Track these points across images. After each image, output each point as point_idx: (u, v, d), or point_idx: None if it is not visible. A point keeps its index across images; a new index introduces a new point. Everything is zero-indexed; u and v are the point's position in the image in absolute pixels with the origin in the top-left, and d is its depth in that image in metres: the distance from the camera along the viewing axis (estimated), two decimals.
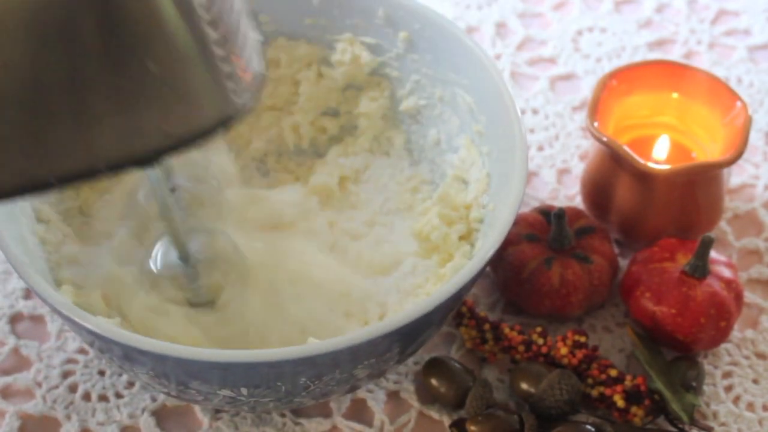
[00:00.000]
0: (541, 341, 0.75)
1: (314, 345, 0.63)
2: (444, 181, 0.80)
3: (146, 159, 0.56)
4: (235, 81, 0.57)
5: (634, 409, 0.73)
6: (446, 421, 0.75)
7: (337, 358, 0.64)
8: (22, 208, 0.72)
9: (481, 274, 0.68)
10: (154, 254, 0.72)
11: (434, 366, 0.75)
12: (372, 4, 0.80)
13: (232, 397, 0.67)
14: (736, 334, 0.80)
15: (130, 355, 0.65)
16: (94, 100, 0.54)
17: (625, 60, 0.96)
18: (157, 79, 0.54)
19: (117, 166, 0.56)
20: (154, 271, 0.72)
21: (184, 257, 0.71)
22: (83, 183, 0.56)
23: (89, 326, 0.64)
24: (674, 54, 0.97)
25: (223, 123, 0.57)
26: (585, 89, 0.94)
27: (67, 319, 0.65)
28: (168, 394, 0.69)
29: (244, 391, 0.66)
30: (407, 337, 0.67)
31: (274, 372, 0.64)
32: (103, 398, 0.76)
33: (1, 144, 0.54)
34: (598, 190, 0.81)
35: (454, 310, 0.75)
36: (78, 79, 0.53)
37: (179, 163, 0.71)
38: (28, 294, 0.81)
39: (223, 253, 0.73)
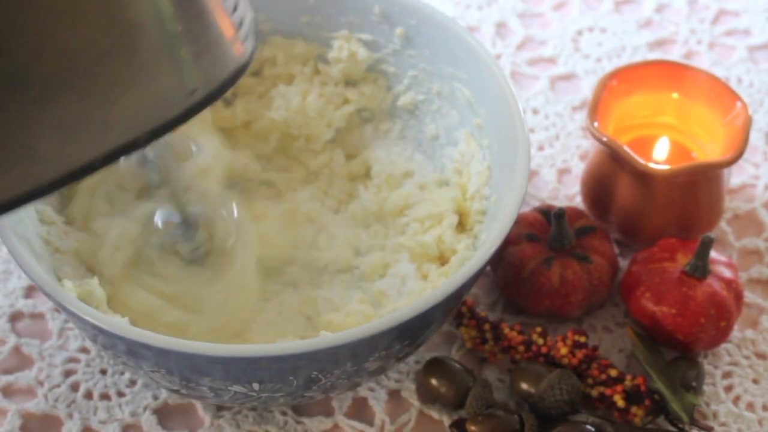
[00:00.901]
0: (541, 341, 0.76)
1: (323, 338, 0.64)
2: (444, 175, 0.80)
3: (175, 122, 0.57)
4: (240, 29, 0.58)
5: (634, 409, 0.73)
6: (446, 420, 0.75)
7: (340, 352, 0.65)
8: (26, 209, 0.72)
9: (482, 271, 0.69)
10: (156, 215, 0.74)
11: (434, 366, 0.75)
12: (368, 1, 0.80)
13: (243, 393, 0.67)
14: (736, 334, 0.80)
15: (133, 350, 0.65)
16: (118, 71, 0.54)
17: (625, 60, 0.96)
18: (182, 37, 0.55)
19: (153, 134, 0.56)
20: (159, 226, 0.73)
21: (185, 218, 0.72)
22: (125, 154, 0.56)
23: (94, 321, 0.64)
24: (674, 54, 0.97)
25: (239, 72, 0.58)
26: (585, 89, 0.94)
27: (72, 315, 0.65)
28: (178, 392, 0.69)
29: (255, 386, 0.66)
30: (409, 333, 0.67)
31: (278, 366, 0.65)
32: (104, 397, 0.76)
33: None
34: (598, 190, 0.81)
35: (456, 307, 0.75)
36: (100, 52, 0.53)
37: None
38: (28, 293, 0.81)
39: (221, 213, 0.75)
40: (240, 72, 0.59)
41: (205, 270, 0.74)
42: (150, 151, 0.70)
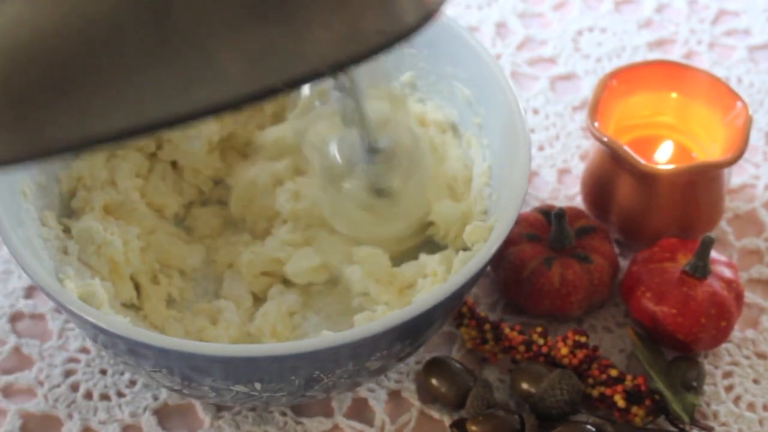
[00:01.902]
0: (541, 341, 0.75)
1: (324, 338, 0.64)
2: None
3: (364, 57, 0.59)
4: None
5: (634, 409, 0.73)
6: (447, 420, 0.75)
7: (341, 352, 0.65)
8: (27, 211, 0.72)
9: (484, 270, 0.69)
10: (331, 151, 0.75)
11: (435, 366, 0.75)
12: None
13: (245, 392, 0.67)
14: (736, 334, 0.80)
15: (134, 350, 0.65)
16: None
17: (625, 60, 0.96)
18: None
19: (339, 65, 0.58)
20: (339, 162, 0.74)
21: (373, 148, 0.73)
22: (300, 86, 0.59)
23: (95, 321, 0.64)
24: (674, 54, 0.97)
25: (426, 19, 0.60)
26: (585, 89, 0.94)
27: (73, 315, 0.65)
28: (179, 391, 0.69)
29: (257, 386, 0.66)
30: (410, 333, 0.67)
31: (280, 366, 0.65)
32: (104, 397, 0.76)
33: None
34: (598, 190, 0.81)
35: (457, 307, 0.75)
36: None
37: None
38: (29, 293, 0.81)
39: (402, 143, 0.75)
40: (427, 19, 0.61)
41: (389, 207, 0.76)
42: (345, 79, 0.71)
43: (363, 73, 0.69)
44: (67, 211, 0.77)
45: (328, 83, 0.73)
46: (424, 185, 0.77)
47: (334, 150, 0.75)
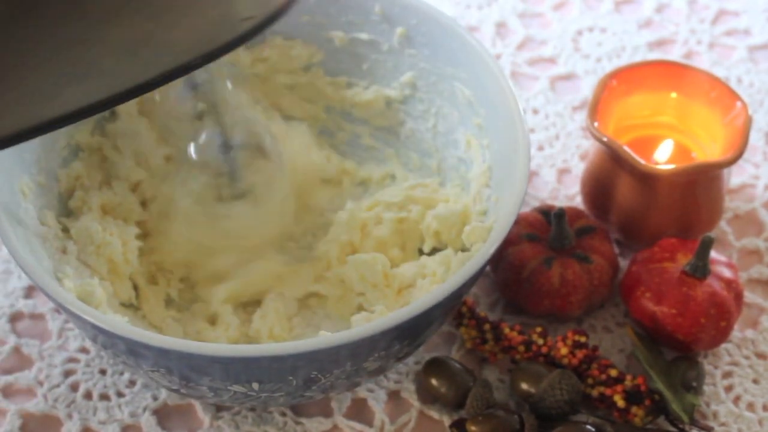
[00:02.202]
0: (541, 341, 0.75)
1: (322, 338, 0.64)
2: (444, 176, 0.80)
3: (229, 46, 0.59)
4: None
5: (634, 409, 0.73)
6: (446, 421, 0.75)
7: (339, 352, 0.65)
8: (26, 210, 0.72)
9: (483, 271, 0.69)
10: (192, 146, 0.75)
11: (435, 366, 0.75)
12: (368, 1, 0.80)
13: (243, 392, 0.67)
14: (736, 334, 0.80)
15: (133, 350, 0.65)
16: None
17: (625, 60, 0.96)
18: None
19: (210, 55, 0.58)
20: (194, 157, 0.74)
21: (227, 146, 0.74)
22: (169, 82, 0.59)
23: (94, 321, 0.64)
24: (674, 54, 0.97)
25: (291, 2, 0.61)
26: (585, 89, 0.94)
27: (72, 315, 0.65)
28: (177, 391, 0.69)
29: (255, 386, 0.66)
30: (409, 333, 0.67)
31: (278, 366, 0.65)
32: (104, 397, 0.76)
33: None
34: (598, 190, 0.81)
35: (456, 307, 0.75)
36: None
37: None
38: (28, 293, 0.81)
39: (263, 145, 0.76)
40: (291, 3, 0.61)
41: (245, 205, 0.76)
42: (201, 74, 0.71)
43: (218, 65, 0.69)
44: (66, 210, 0.77)
45: (181, 81, 0.72)
46: (286, 193, 0.77)
47: (191, 147, 0.75)
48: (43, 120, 0.56)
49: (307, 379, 0.67)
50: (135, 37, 0.56)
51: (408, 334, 0.67)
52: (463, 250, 0.75)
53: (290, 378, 0.66)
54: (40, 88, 0.55)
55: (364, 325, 0.64)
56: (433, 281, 0.74)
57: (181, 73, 0.58)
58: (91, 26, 0.55)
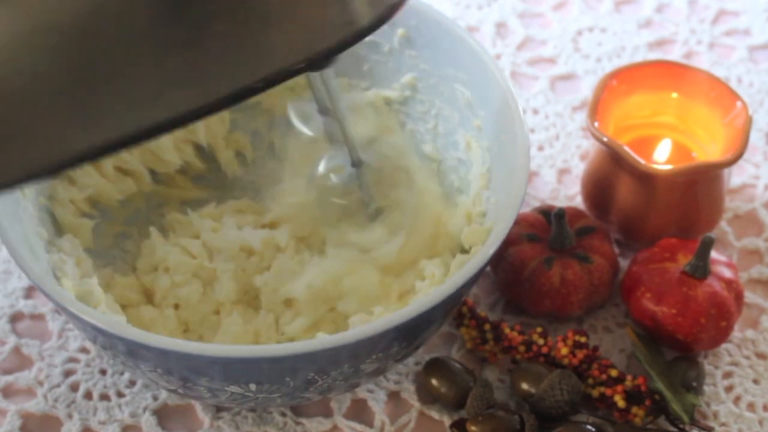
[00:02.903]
0: (541, 341, 0.75)
1: (321, 340, 0.64)
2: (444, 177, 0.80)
3: (333, 51, 0.59)
4: None
5: (634, 409, 0.73)
6: (447, 421, 0.75)
7: (339, 353, 0.65)
8: (25, 209, 0.72)
9: (482, 272, 0.69)
10: (319, 166, 0.75)
11: (435, 366, 0.75)
12: None
13: (240, 393, 0.67)
14: (736, 334, 0.80)
15: (133, 351, 0.65)
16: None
17: (625, 60, 0.96)
18: None
19: (311, 62, 0.58)
20: (322, 173, 0.75)
21: (357, 162, 0.73)
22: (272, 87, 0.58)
23: (93, 321, 0.64)
24: (674, 54, 0.97)
25: (394, 8, 0.61)
26: (585, 89, 0.94)
27: (71, 315, 0.65)
28: (175, 391, 0.69)
29: (252, 387, 0.66)
30: (408, 334, 0.67)
31: (277, 367, 0.65)
32: (104, 397, 0.76)
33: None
34: (598, 190, 0.81)
35: (455, 308, 0.75)
36: None
37: None
38: (28, 293, 0.81)
39: (392, 160, 0.76)
40: (395, 8, 0.61)
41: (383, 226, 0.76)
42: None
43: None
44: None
45: (312, 108, 0.72)
46: (417, 209, 0.77)
47: (322, 167, 0.75)
48: (152, 123, 0.55)
49: (304, 380, 0.66)
50: (235, 40, 0.56)
51: (407, 335, 0.67)
52: (462, 251, 0.75)
53: (288, 379, 0.66)
54: (147, 92, 0.55)
55: (363, 327, 0.64)
56: (431, 283, 0.74)
57: (284, 78, 0.58)
58: (198, 28, 0.55)
